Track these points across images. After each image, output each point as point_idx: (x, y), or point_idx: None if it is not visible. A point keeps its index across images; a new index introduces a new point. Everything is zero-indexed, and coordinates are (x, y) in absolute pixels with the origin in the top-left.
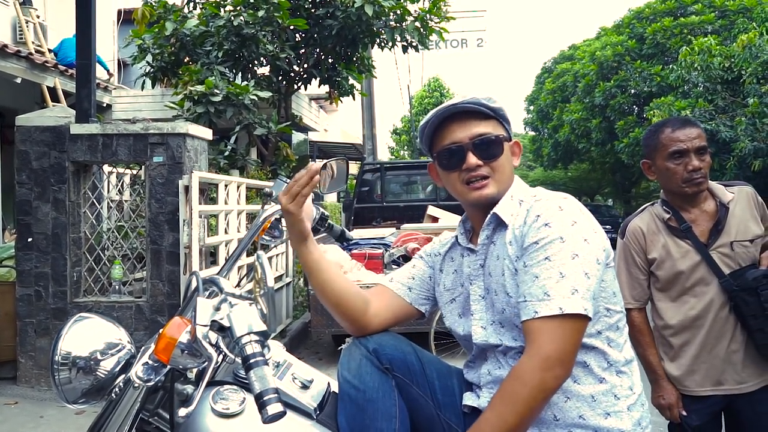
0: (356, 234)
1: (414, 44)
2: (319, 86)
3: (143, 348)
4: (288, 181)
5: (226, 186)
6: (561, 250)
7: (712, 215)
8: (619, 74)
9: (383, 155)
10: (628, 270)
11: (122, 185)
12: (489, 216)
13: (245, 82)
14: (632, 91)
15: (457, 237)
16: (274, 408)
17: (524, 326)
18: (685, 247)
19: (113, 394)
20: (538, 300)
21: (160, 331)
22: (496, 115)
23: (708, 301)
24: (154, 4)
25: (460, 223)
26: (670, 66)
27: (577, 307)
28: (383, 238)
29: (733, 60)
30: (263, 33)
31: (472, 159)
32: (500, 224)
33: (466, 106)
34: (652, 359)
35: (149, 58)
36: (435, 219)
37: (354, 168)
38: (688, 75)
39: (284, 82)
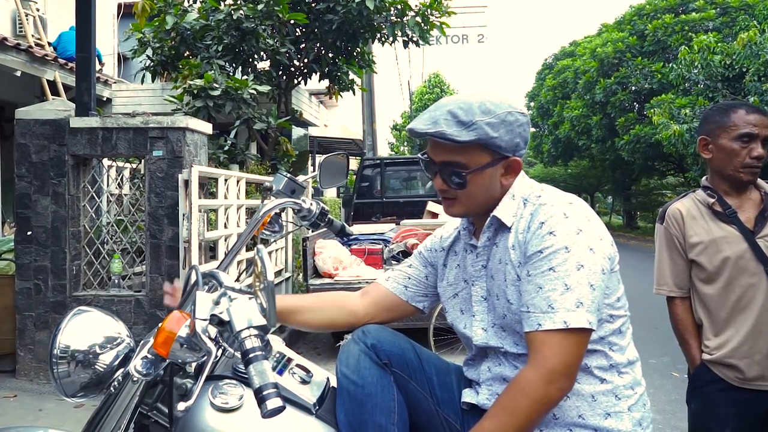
0: (356, 229)
1: (415, 39)
2: (319, 81)
3: (142, 342)
4: (288, 175)
5: (225, 180)
6: (566, 261)
7: (757, 203)
8: (620, 71)
9: (383, 151)
10: (671, 257)
11: (122, 179)
12: (489, 219)
13: (245, 77)
14: (633, 88)
15: (460, 232)
16: (273, 403)
17: (527, 337)
18: (730, 233)
19: (112, 388)
20: (542, 312)
21: (159, 324)
22: (481, 143)
23: (754, 291)
24: None
25: (463, 218)
26: (670, 64)
27: (581, 321)
28: (383, 233)
29: (734, 57)
30: (263, 27)
31: (438, 182)
32: (502, 226)
33: (429, 135)
34: (694, 353)
35: (149, 51)
36: (435, 215)
37: (354, 163)
38: (689, 73)
39: (284, 77)
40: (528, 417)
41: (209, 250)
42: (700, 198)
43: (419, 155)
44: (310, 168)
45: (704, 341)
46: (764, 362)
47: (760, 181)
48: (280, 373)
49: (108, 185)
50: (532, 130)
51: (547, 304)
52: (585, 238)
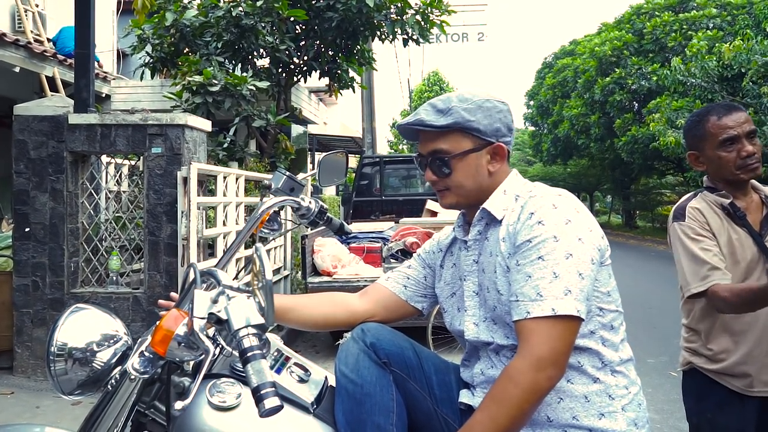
0: (355, 227)
1: (415, 37)
2: (319, 79)
3: (140, 340)
4: (287, 173)
5: (224, 178)
6: (554, 250)
7: (759, 206)
8: (616, 72)
9: (382, 149)
10: (700, 247)
11: (120, 176)
12: (479, 211)
13: (244, 74)
14: (632, 87)
15: (454, 229)
16: (270, 402)
17: (516, 326)
18: (743, 235)
19: (109, 386)
20: (530, 300)
21: (157, 323)
22: (459, 127)
23: None
24: None
25: (459, 215)
26: (665, 71)
27: (569, 309)
28: (382, 231)
29: (730, 60)
30: (263, 24)
31: (429, 174)
32: (493, 220)
33: (410, 126)
34: (752, 285)
35: (149, 48)
36: (434, 213)
37: (353, 161)
38: (685, 78)
39: (284, 74)
40: (519, 407)
41: (208, 247)
42: (711, 199)
43: (414, 155)
44: (310, 166)
45: (707, 348)
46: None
47: (757, 184)
48: (278, 371)
49: (106, 182)
50: (531, 128)
51: (535, 292)
52: (574, 228)
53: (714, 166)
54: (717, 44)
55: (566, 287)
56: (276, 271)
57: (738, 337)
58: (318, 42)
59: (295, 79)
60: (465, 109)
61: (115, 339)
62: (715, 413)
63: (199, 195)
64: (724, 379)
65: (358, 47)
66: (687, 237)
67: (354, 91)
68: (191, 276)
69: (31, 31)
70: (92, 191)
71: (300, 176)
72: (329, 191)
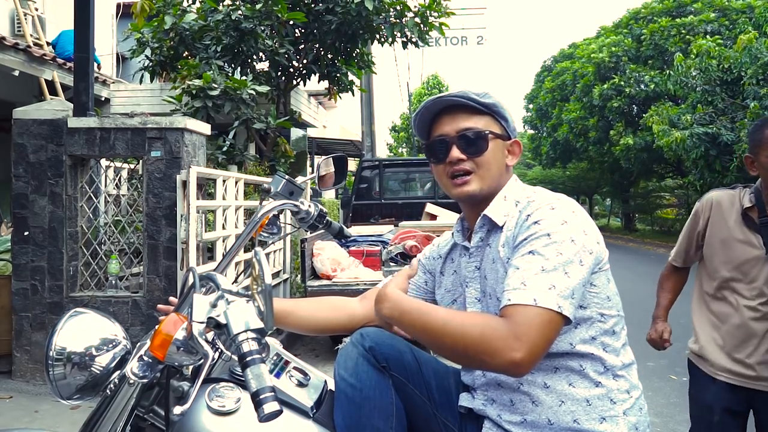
0: (354, 231)
1: (414, 40)
2: (318, 82)
3: (139, 344)
4: (286, 177)
5: (224, 181)
6: (546, 246)
7: None
8: (615, 78)
9: (382, 152)
10: (688, 233)
11: (119, 179)
12: (480, 218)
13: (244, 77)
14: (631, 91)
15: (453, 235)
16: (270, 406)
17: (501, 314)
18: (748, 239)
19: (108, 390)
20: (513, 289)
21: (156, 327)
22: (491, 111)
23: (748, 297)
24: None
25: (458, 221)
26: (668, 71)
27: (550, 303)
28: (381, 235)
29: (731, 61)
30: (262, 27)
31: (456, 152)
32: (494, 226)
33: (454, 99)
34: (662, 302)
35: (148, 52)
36: (433, 216)
37: (352, 165)
38: (686, 78)
39: (283, 78)
40: (459, 337)
41: (207, 251)
42: (742, 197)
43: (421, 152)
44: (309, 169)
45: (694, 332)
46: (740, 362)
47: None
48: (278, 375)
49: (106, 186)
50: (531, 132)
51: (519, 282)
52: (568, 228)
53: (764, 173)
54: (719, 47)
55: (551, 282)
56: (275, 275)
57: (713, 325)
58: (317, 45)
59: (295, 82)
60: (496, 101)
61: (114, 343)
62: (697, 390)
63: (198, 198)
64: (699, 361)
65: (358, 50)
66: (690, 218)
67: (353, 95)
68: (190, 280)
69: (31, 35)
70: (91, 195)
71: (299, 180)
72: (329, 195)
